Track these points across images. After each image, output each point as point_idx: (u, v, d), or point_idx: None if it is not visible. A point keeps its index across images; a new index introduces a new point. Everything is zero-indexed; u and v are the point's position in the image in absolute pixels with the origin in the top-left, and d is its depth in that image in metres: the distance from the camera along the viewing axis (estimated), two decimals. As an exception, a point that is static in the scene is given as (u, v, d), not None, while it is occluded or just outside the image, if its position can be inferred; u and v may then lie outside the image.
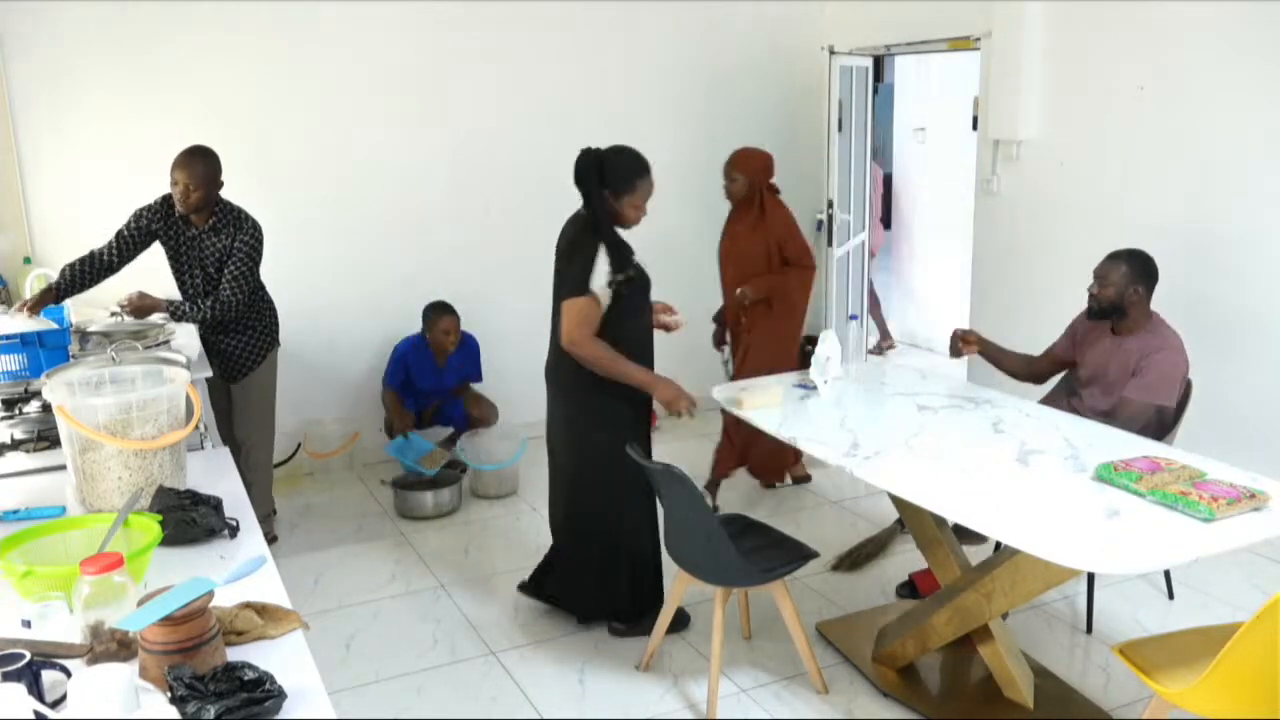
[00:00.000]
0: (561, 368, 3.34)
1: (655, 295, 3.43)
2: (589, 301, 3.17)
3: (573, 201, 3.34)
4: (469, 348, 5.02)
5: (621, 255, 3.21)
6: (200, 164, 3.78)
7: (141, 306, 3.80)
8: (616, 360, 3.21)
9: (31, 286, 3.96)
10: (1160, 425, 3.44)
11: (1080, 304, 3.76)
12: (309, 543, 4.40)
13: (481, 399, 5.09)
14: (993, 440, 3.02)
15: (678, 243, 5.84)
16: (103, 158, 4.59)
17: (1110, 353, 3.53)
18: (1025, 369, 3.84)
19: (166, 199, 3.90)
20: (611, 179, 3.21)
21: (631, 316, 3.30)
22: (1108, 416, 3.46)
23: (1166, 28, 4.20)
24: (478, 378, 5.12)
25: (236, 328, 4.00)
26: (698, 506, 2.88)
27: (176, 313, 3.81)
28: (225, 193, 3.95)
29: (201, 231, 3.90)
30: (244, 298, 3.89)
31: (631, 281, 3.22)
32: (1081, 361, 3.66)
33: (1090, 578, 3.53)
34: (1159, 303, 3.60)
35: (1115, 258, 3.50)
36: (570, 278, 3.22)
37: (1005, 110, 4.87)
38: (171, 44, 4.65)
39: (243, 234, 3.89)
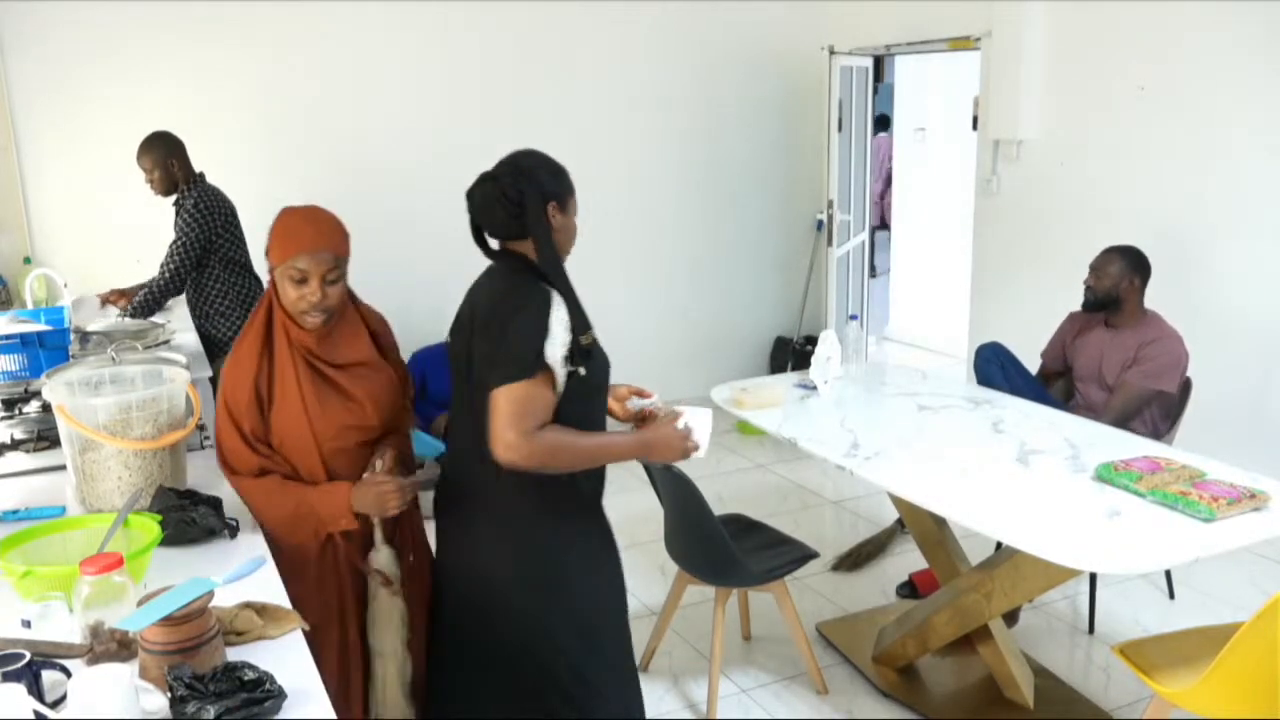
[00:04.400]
0: (494, 490, 2.15)
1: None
2: (534, 385, 2.02)
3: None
4: None
5: (581, 309, 2.10)
6: (156, 146, 3.92)
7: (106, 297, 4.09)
8: (585, 441, 2.08)
9: (31, 287, 3.96)
10: (1159, 410, 3.47)
11: (1072, 305, 3.77)
12: (309, 543, 4.39)
13: None
14: (993, 440, 3.02)
15: (680, 242, 5.85)
16: (103, 158, 4.59)
17: (1105, 346, 3.57)
18: None
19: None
20: (560, 185, 2.17)
21: (590, 402, 2.20)
22: (1106, 401, 3.49)
23: (1166, 28, 4.20)
24: None
25: (210, 313, 4.03)
26: (698, 506, 2.88)
27: (132, 313, 3.95)
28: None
29: (175, 212, 4.03)
30: (174, 274, 3.92)
31: (591, 354, 2.11)
32: (1076, 361, 3.70)
33: (1093, 578, 3.53)
34: (1160, 300, 3.61)
35: (1111, 251, 3.57)
36: (504, 353, 2.04)
37: (1005, 110, 4.87)
38: (171, 44, 4.65)
39: (184, 207, 3.93)
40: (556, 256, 2.12)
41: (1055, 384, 3.84)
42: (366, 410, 2.20)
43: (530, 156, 2.18)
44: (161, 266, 3.93)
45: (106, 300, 4.10)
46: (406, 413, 2.38)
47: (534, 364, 2.01)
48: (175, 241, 3.91)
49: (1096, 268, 3.58)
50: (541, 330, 2.03)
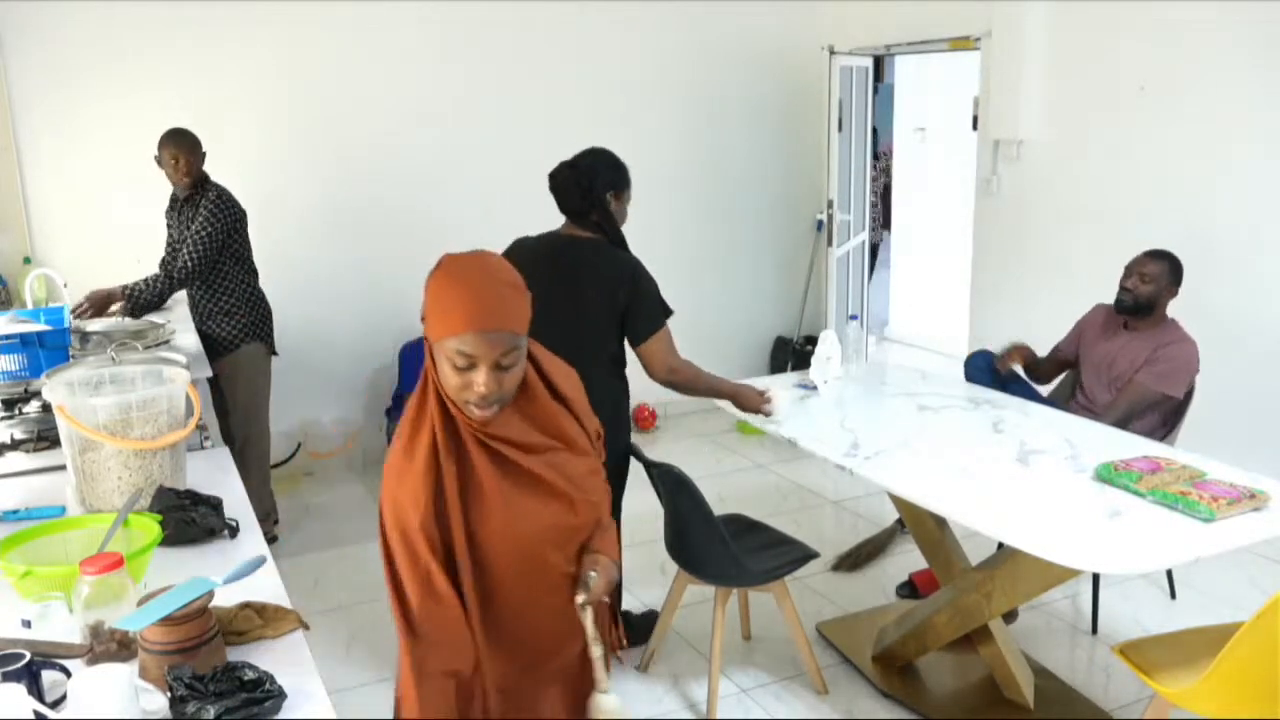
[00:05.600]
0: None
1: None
2: (667, 325, 2.97)
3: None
4: None
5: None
6: (186, 136, 3.95)
7: (96, 299, 3.92)
8: (708, 374, 3.04)
9: (32, 287, 3.95)
10: (1162, 417, 3.46)
11: (1084, 303, 3.76)
12: (309, 543, 4.40)
13: None
14: (993, 440, 3.02)
15: (680, 242, 5.85)
16: (103, 158, 4.59)
17: (1121, 348, 3.55)
18: (1041, 372, 3.86)
19: (172, 195, 4.10)
20: (617, 178, 2.99)
21: None
22: (1110, 402, 3.47)
23: (1166, 28, 4.20)
24: None
25: (215, 311, 4.02)
26: (698, 506, 2.88)
27: (134, 296, 3.89)
28: (235, 191, 4.04)
29: (187, 208, 4.01)
30: (197, 265, 3.91)
31: None
32: (1086, 358, 3.68)
33: (1096, 578, 3.52)
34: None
35: (1156, 255, 3.51)
36: (648, 306, 2.94)
37: (1005, 110, 4.87)
38: (171, 44, 4.65)
39: (206, 200, 3.94)
40: (619, 229, 2.96)
41: (1057, 379, 3.84)
42: (575, 504, 1.66)
43: (598, 153, 2.98)
44: (183, 258, 3.90)
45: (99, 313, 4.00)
46: (607, 496, 1.80)
47: (666, 308, 2.95)
48: (199, 233, 3.90)
49: (1140, 271, 3.49)
50: (654, 287, 2.92)
